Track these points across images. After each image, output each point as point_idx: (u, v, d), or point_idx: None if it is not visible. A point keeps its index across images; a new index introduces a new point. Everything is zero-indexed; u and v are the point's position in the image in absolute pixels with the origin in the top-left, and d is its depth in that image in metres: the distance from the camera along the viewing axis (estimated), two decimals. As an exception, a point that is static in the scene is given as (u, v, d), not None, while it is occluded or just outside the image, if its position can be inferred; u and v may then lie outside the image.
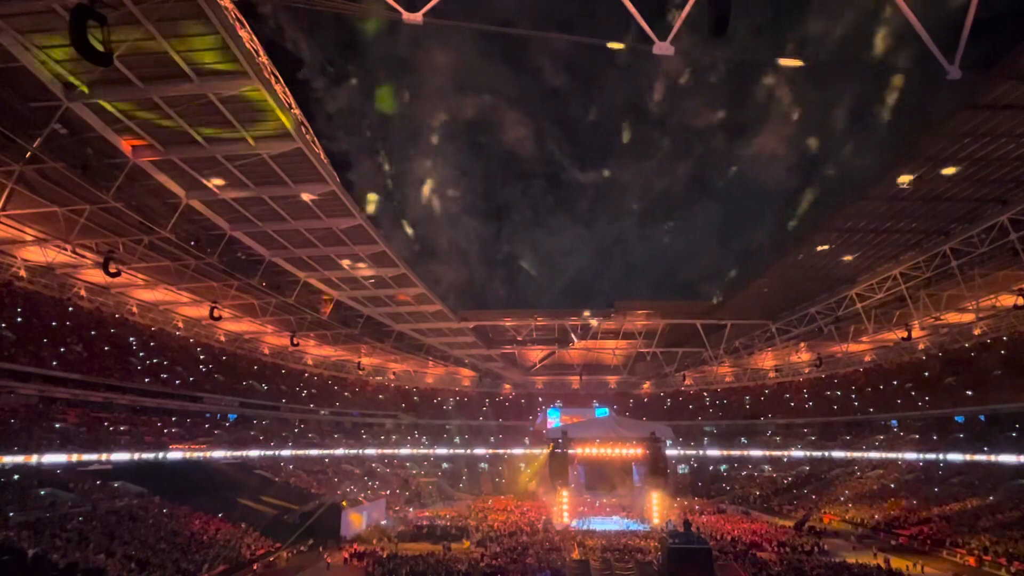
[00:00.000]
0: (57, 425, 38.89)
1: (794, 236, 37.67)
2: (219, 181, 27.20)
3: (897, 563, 34.08)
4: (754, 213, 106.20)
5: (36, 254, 34.94)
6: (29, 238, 32.65)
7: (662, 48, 13.56)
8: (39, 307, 40.10)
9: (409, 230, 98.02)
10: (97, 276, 37.68)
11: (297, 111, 23.53)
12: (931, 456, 53.02)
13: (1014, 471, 44.41)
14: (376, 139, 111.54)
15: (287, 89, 22.67)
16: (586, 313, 56.70)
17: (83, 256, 34.05)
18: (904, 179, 27.13)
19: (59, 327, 41.41)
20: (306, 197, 28.50)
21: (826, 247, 35.66)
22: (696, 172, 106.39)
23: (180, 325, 51.48)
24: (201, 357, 55.46)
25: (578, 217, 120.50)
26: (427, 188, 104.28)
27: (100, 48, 12.48)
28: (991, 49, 19.09)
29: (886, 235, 34.04)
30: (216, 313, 41.96)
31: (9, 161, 24.57)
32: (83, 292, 42.14)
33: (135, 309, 46.74)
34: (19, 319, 38.32)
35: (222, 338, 57.29)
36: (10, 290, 37.42)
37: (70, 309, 42.23)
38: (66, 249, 32.88)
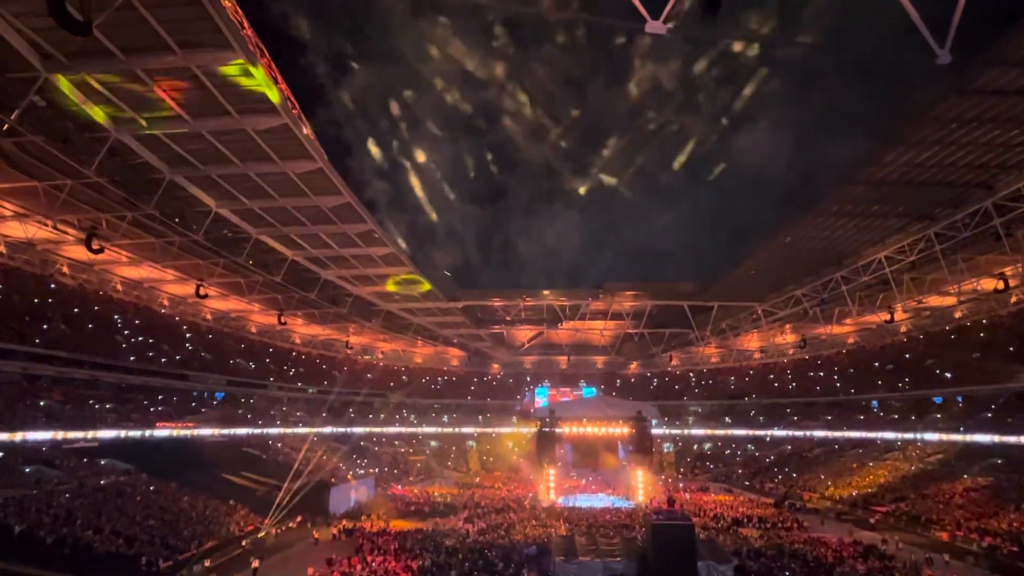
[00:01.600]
0: (42, 403, 38.60)
1: (783, 219, 37.89)
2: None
3: (872, 537, 35.16)
4: (744, 198, 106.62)
5: (16, 230, 34.29)
6: (9, 213, 32.01)
7: (655, 27, 13.41)
8: (21, 284, 39.46)
9: (406, 216, 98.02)
10: (80, 253, 37.11)
11: (284, 87, 23.10)
12: (909, 436, 54.28)
13: (988, 450, 45.66)
14: (373, 126, 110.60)
15: (272, 63, 22.21)
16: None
17: (65, 232, 33.48)
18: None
19: (41, 304, 40.84)
20: (294, 171, 28.11)
21: (814, 230, 35.95)
22: (687, 159, 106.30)
23: (165, 303, 50.99)
24: (187, 335, 55.09)
25: (571, 203, 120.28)
26: (423, 174, 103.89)
27: (78, 17, 12.11)
28: (981, 34, 19.10)
29: (872, 219, 34.36)
30: (202, 291, 41.65)
31: (-14, 134, 23.96)
32: (66, 269, 41.51)
33: (119, 286, 46.17)
34: (0, 296, 37.74)
35: (208, 316, 56.86)
36: (-10, 266, 36.78)
37: (52, 286, 41.62)
38: (47, 225, 32.29)
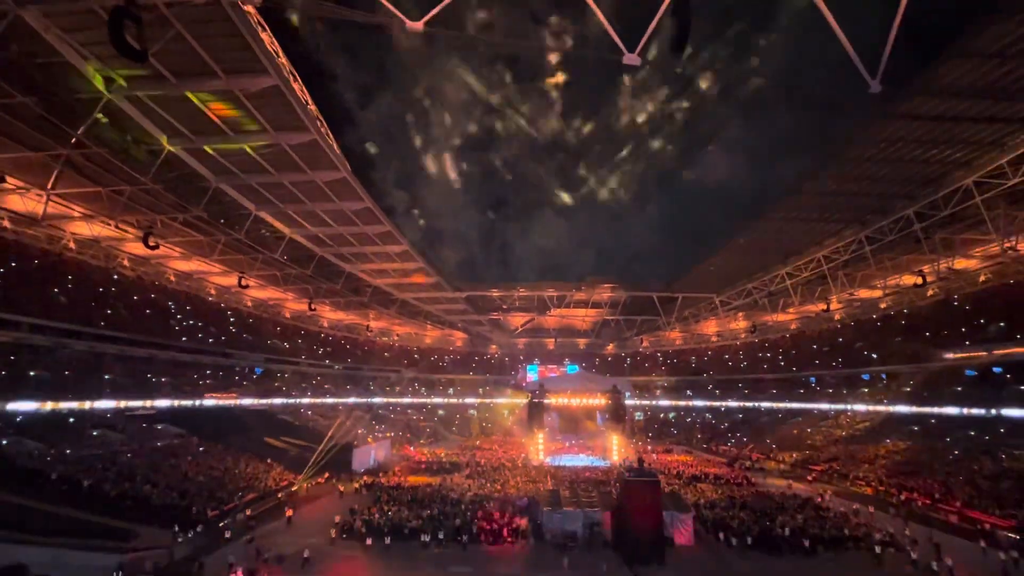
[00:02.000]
0: (107, 376, 38.44)
1: (738, 225, 37.89)
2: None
3: (809, 491, 35.57)
4: (706, 208, 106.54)
5: (83, 228, 33.95)
6: (77, 214, 31.66)
7: (631, 59, 13.34)
8: (88, 275, 39.14)
9: (420, 221, 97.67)
10: (139, 248, 36.78)
11: (313, 107, 22.88)
12: (841, 407, 54.73)
13: (907, 420, 46.12)
14: (392, 144, 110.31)
15: (303, 87, 21.99)
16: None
17: (125, 231, 33.18)
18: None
19: (105, 292, 40.51)
20: (323, 178, 27.87)
21: (764, 234, 36.00)
22: (658, 175, 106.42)
23: (212, 292, 50.68)
24: (231, 320, 54.80)
25: (559, 211, 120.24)
26: (434, 185, 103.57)
27: (135, 46, 11.93)
28: (907, 68, 19.09)
29: (813, 224, 34.43)
30: (243, 282, 41.43)
31: (56, 145, 23.69)
32: (126, 262, 41.14)
33: (172, 277, 45.84)
34: (69, 286, 37.43)
35: (249, 303, 56.57)
36: (61, 259, 36.43)
37: (115, 277, 41.29)
38: (110, 224, 32.01)
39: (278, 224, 34.22)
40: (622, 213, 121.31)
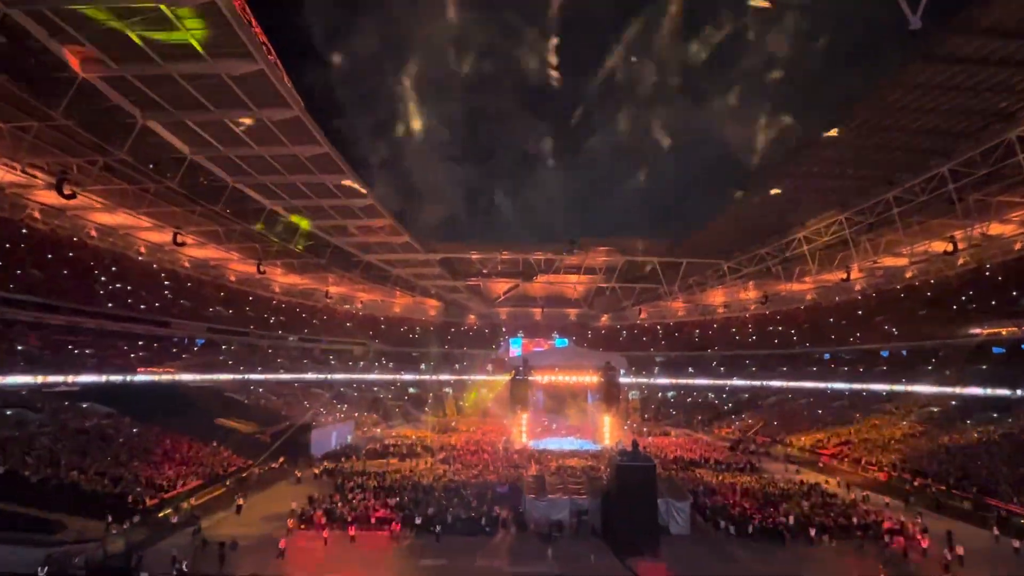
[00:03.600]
0: (19, 347, 37.71)
1: (751, 181, 38.14)
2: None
3: (816, 478, 37.22)
4: (718, 164, 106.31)
5: (-17, 172, 32.60)
6: (-26, 155, 30.33)
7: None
8: (-9, 228, 37.83)
9: (392, 175, 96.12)
10: (52, 197, 35.50)
11: (259, 32, 21.93)
12: (857, 386, 56.67)
13: (927, 399, 48.06)
14: (366, 86, 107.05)
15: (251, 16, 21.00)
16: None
17: (34, 176, 31.89)
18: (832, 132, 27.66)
19: (13, 249, 39.27)
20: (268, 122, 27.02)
21: (779, 191, 36.27)
22: (663, 123, 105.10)
23: (143, 250, 49.54)
24: (166, 283, 53.85)
25: (555, 162, 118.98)
26: (410, 130, 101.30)
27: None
28: (951, 4, 19.03)
29: (837, 181, 34.73)
30: (180, 239, 40.56)
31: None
32: (37, 214, 39.81)
33: (94, 232, 44.59)
34: (-31, 240, 36.19)
35: (187, 264, 55.52)
36: (-42, 209, 35.10)
37: (24, 231, 39.97)
38: (15, 168, 30.70)
39: (219, 171, 33.29)
40: (621, 168, 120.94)
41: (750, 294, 68.45)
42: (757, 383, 68.85)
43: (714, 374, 73.82)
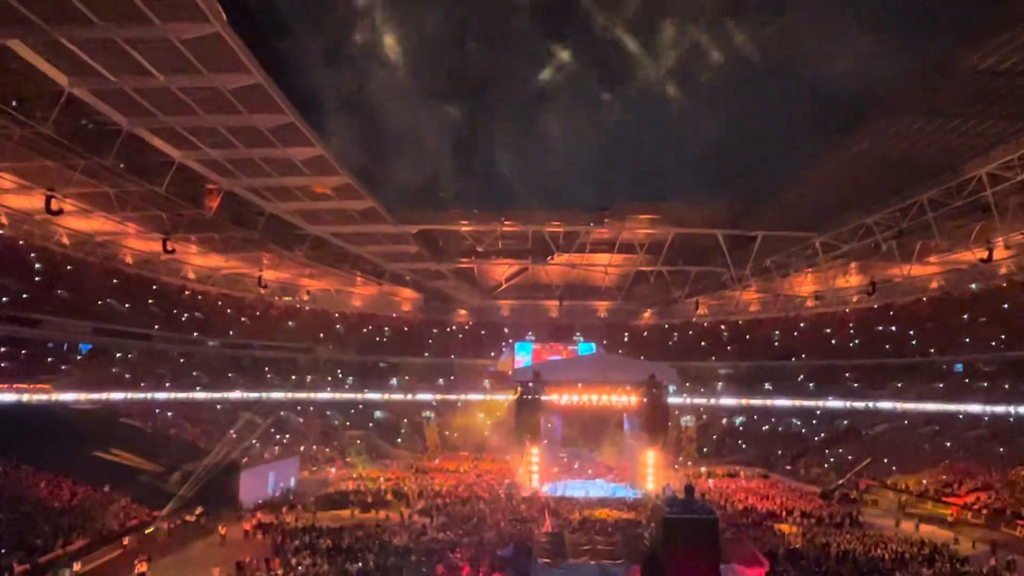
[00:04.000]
0: None
1: (854, 122, 37.69)
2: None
3: (943, 536, 37.26)
4: (804, 99, 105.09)
5: None
6: None
7: None
8: None
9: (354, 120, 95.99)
10: None
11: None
12: (1000, 409, 56.48)
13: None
14: None
15: None
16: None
17: None
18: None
19: None
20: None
21: (895, 136, 35.88)
22: (728, 50, 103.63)
23: (3, 221, 49.74)
24: (36, 266, 54.10)
25: (578, 99, 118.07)
26: (376, 54, 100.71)
27: None
28: None
29: (973, 121, 34.31)
30: (54, 205, 40.60)
31: None
32: None
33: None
34: None
35: (65, 240, 55.73)
36: None
37: None
38: None
39: (109, 110, 33.28)
40: (670, 107, 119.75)
41: (852, 281, 68.18)
42: (860, 404, 68.70)
43: (800, 392, 73.74)
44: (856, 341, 72.51)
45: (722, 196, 55.80)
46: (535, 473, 50.13)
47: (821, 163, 43.16)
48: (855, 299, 71.96)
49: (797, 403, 73.62)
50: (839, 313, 75.13)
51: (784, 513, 42.91)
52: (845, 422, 69.48)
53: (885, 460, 58.50)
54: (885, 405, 66.51)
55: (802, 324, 78.02)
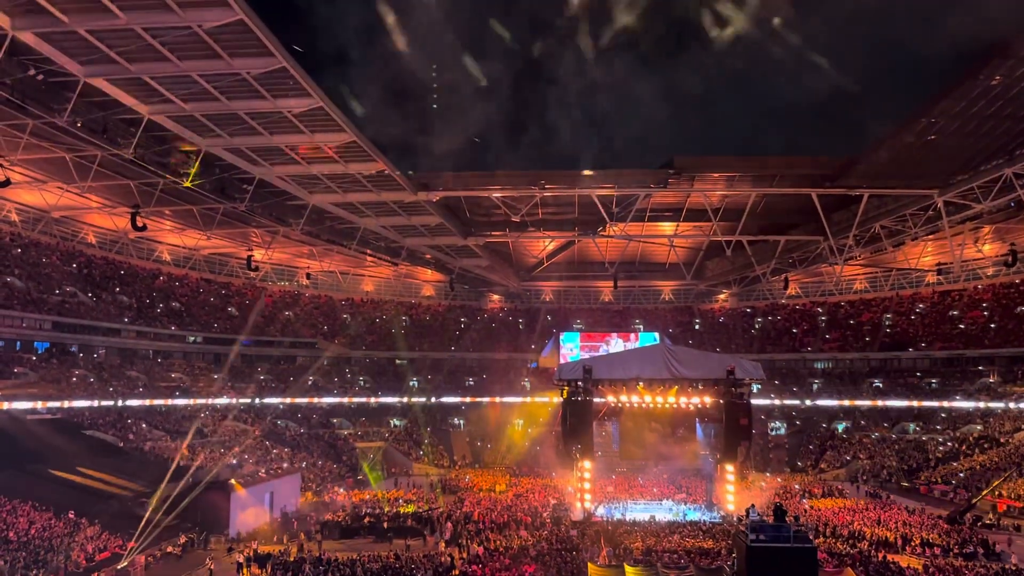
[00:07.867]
0: None
1: (981, 50, 36.57)
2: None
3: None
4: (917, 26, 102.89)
5: None
6: None
7: None
8: None
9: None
10: None
11: None
12: None
13: None
14: None
15: None
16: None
17: None
18: None
19: None
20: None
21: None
22: None
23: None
24: (-17, 249, 55.34)
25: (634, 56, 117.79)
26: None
27: None
28: None
29: None
30: (0, 175, 41.26)
31: None
32: None
33: None
34: None
35: (14, 217, 56.77)
36: None
37: None
38: None
39: (62, 58, 33.59)
40: (750, 52, 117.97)
41: (985, 249, 66.71)
42: (997, 405, 67.62)
43: (919, 392, 72.85)
44: (992, 326, 71.24)
45: (812, 152, 54.72)
46: (588, 492, 50.06)
47: (945, 99, 41.84)
48: (990, 272, 70.54)
49: (915, 404, 72.83)
50: (969, 290, 73.80)
51: (900, 541, 42.33)
52: (978, 427, 68.45)
53: (1029, 474, 57.51)
54: (1030, 405, 65.29)
55: (920, 305, 76.80)
